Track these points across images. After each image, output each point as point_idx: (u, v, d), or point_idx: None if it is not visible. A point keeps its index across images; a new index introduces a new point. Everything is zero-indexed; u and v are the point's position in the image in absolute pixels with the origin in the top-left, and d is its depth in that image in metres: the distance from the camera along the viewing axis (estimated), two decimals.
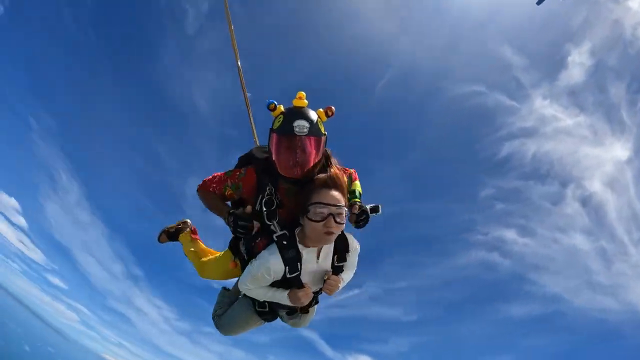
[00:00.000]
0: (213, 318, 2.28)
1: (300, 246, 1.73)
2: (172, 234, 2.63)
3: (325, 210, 1.61)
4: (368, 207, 1.85)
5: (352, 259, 1.87)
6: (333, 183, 1.67)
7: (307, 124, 1.66)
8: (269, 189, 1.78)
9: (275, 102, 1.76)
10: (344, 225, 1.69)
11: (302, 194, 1.72)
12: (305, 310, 2.09)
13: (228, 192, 1.91)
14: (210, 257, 2.34)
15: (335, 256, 1.81)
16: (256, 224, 1.74)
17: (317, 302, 2.06)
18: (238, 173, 1.89)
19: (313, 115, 1.72)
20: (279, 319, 2.19)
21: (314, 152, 1.71)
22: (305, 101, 1.76)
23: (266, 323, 2.19)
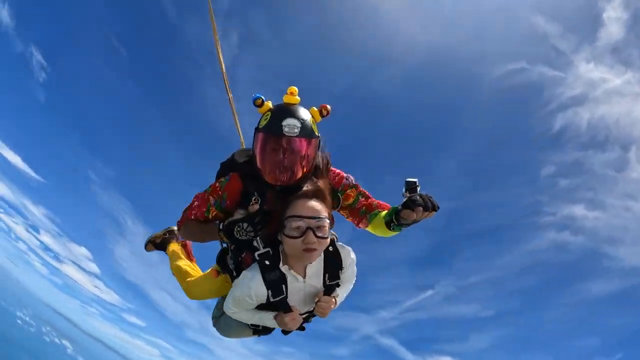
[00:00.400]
0: (212, 319, 2.11)
1: (284, 267, 1.52)
2: (158, 245, 2.44)
3: (302, 224, 1.39)
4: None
5: (348, 273, 1.65)
6: (313, 192, 1.46)
7: (298, 124, 1.46)
8: (254, 199, 1.57)
9: (263, 97, 1.54)
10: (328, 239, 1.46)
11: (280, 206, 1.49)
12: (302, 328, 1.83)
13: (212, 213, 1.65)
14: (197, 276, 2.13)
15: (327, 274, 1.59)
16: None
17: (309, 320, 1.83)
18: (219, 183, 1.65)
19: (305, 114, 1.52)
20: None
21: (305, 155, 1.51)
22: (298, 97, 1.55)
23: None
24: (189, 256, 2.35)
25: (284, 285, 1.53)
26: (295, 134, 1.46)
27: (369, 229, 1.73)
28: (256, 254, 1.53)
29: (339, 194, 1.70)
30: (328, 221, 1.44)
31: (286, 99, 1.56)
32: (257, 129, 1.54)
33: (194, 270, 2.21)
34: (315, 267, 1.57)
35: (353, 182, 1.73)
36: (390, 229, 1.54)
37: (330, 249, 1.56)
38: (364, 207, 1.72)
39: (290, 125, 1.45)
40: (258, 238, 1.52)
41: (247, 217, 1.48)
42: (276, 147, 1.49)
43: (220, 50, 2.39)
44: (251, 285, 1.52)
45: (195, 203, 1.70)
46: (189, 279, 2.12)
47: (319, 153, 1.61)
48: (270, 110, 1.53)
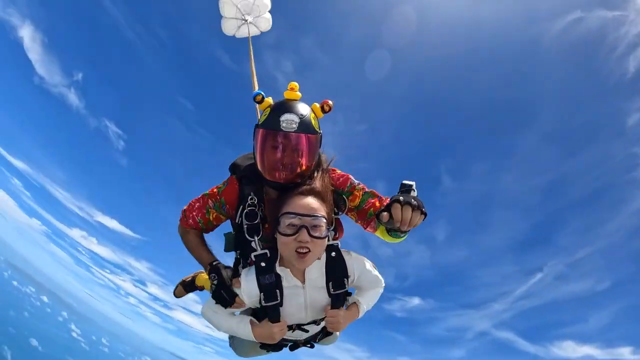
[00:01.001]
0: (229, 339, 2.05)
1: (280, 268, 1.45)
2: (188, 283, 2.32)
3: (296, 222, 1.32)
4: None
5: (366, 280, 1.55)
6: (309, 189, 1.39)
7: (296, 119, 1.41)
8: (250, 199, 1.53)
9: (263, 94, 1.50)
10: (324, 240, 1.37)
11: (275, 204, 1.44)
12: (311, 345, 1.82)
13: (213, 215, 1.64)
14: None
15: (330, 282, 1.48)
16: (239, 302, 1.48)
17: (330, 332, 1.75)
18: (217, 189, 1.64)
19: (304, 109, 1.47)
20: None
21: (304, 152, 1.45)
22: (299, 93, 1.52)
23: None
24: None
25: (278, 291, 1.47)
26: (293, 129, 1.42)
27: (377, 234, 1.60)
28: (252, 254, 1.48)
29: (344, 195, 1.62)
30: (325, 221, 1.36)
31: (287, 94, 1.52)
32: (256, 126, 1.51)
33: None
34: (316, 272, 1.49)
35: (360, 183, 1.64)
36: (390, 235, 1.47)
37: (333, 254, 1.49)
38: (371, 209, 1.59)
39: (288, 120, 1.42)
40: (257, 239, 1.49)
41: (221, 282, 1.50)
42: (274, 143, 1.46)
43: (255, 80, 2.54)
44: (244, 284, 1.48)
45: (197, 205, 1.68)
46: None
47: (322, 152, 1.58)
48: (269, 106, 1.51)
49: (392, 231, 1.40)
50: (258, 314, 1.60)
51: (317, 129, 1.50)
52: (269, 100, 1.52)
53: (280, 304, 1.49)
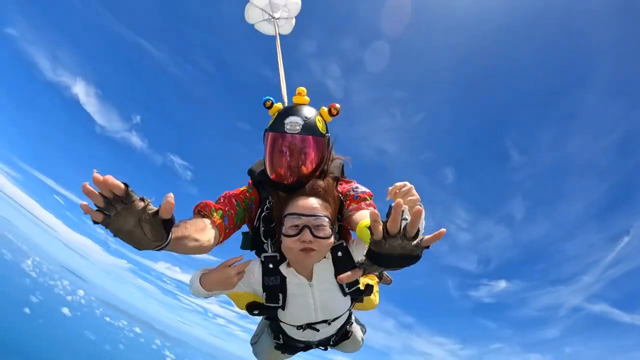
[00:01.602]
0: (251, 345, 2.17)
1: (287, 270, 1.48)
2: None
3: (299, 222, 1.33)
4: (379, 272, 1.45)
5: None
6: (311, 190, 1.41)
7: (300, 121, 1.46)
8: (269, 203, 1.56)
9: (272, 99, 1.57)
10: (329, 240, 1.35)
11: (280, 207, 1.46)
12: (338, 342, 1.90)
13: (242, 205, 1.56)
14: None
15: (344, 283, 1.49)
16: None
17: (349, 329, 1.86)
18: (243, 188, 1.65)
19: (309, 112, 1.52)
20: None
21: (307, 153, 1.48)
22: (307, 98, 1.58)
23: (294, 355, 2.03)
24: None
25: (281, 295, 1.51)
26: (297, 131, 1.46)
27: (361, 236, 1.34)
28: (262, 255, 1.51)
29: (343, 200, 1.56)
30: (328, 221, 1.35)
31: (295, 99, 1.58)
32: (265, 130, 1.54)
33: None
34: (323, 271, 1.48)
35: (358, 192, 1.53)
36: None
37: (340, 254, 1.46)
38: (351, 214, 1.43)
39: (292, 123, 1.46)
40: (270, 242, 1.53)
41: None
42: (279, 145, 1.48)
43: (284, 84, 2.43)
44: (252, 275, 1.51)
45: (226, 197, 1.57)
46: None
47: (331, 154, 1.60)
48: (277, 110, 1.56)
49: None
50: (260, 309, 1.59)
51: (323, 132, 1.53)
52: (279, 105, 1.58)
53: (282, 308, 1.54)
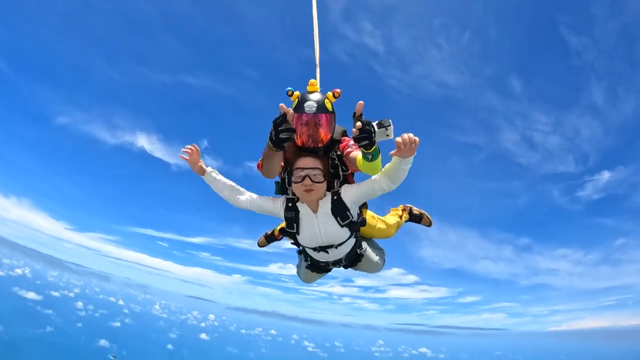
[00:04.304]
0: (296, 269, 3.02)
1: (301, 205, 2.26)
2: (270, 235, 3.23)
3: (302, 173, 2.11)
4: (374, 123, 1.91)
5: (359, 189, 2.22)
6: (310, 151, 2.19)
7: (314, 104, 2.09)
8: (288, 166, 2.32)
9: (292, 89, 2.13)
10: (323, 184, 2.15)
11: (290, 162, 2.24)
12: (352, 263, 2.63)
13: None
14: None
15: (338, 217, 2.24)
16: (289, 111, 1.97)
17: (360, 253, 2.58)
18: None
19: (320, 96, 2.14)
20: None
21: (322, 126, 2.14)
22: (317, 86, 2.19)
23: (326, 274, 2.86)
24: None
25: (295, 224, 2.29)
26: (313, 112, 2.10)
27: (359, 167, 2.18)
28: (285, 196, 2.33)
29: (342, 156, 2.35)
30: (320, 171, 2.13)
31: (308, 89, 2.19)
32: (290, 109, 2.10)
33: None
34: (325, 208, 2.23)
35: (351, 145, 2.29)
36: (368, 160, 2.00)
37: (335, 197, 2.22)
38: (349, 156, 2.29)
39: (309, 105, 2.09)
40: (290, 189, 2.31)
41: (276, 122, 2.00)
42: (301, 121, 2.13)
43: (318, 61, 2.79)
44: (277, 203, 2.31)
45: None
46: None
47: (335, 126, 2.28)
48: (297, 96, 2.14)
49: (364, 146, 1.91)
50: (284, 233, 2.41)
51: (331, 110, 2.18)
52: (297, 93, 2.14)
53: (297, 233, 2.33)
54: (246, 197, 2.35)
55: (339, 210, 2.23)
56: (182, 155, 2.33)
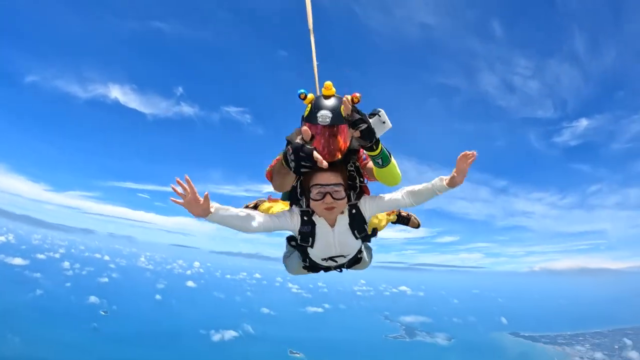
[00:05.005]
0: (283, 259, 2.79)
1: (319, 219, 2.13)
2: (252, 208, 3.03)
3: (323, 190, 1.96)
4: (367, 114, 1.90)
5: (379, 203, 2.18)
6: (330, 166, 1.93)
7: (329, 114, 1.82)
8: (301, 176, 2.10)
9: (305, 92, 1.90)
10: (344, 200, 2.01)
11: (306, 176, 2.05)
12: (350, 266, 2.60)
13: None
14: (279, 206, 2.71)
15: (355, 230, 2.18)
16: (318, 157, 1.84)
17: (360, 257, 2.51)
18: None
19: (336, 102, 1.86)
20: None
21: (338, 138, 1.89)
22: (333, 89, 1.89)
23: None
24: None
25: (311, 238, 2.18)
26: (327, 123, 1.84)
27: (375, 176, 2.17)
28: (299, 209, 2.16)
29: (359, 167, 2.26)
30: (342, 186, 1.99)
31: (324, 92, 1.91)
32: (302, 117, 1.95)
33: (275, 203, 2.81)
34: (342, 220, 2.15)
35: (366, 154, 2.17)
36: (379, 166, 2.02)
37: (354, 211, 2.14)
38: (366, 168, 2.26)
39: (323, 116, 1.83)
40: (304, 199, 2.13)
41: (297, 146, 1.90)
42: (314, 133, 1.89)
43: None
44: (292, 219, 2.16)
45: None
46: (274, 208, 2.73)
47: (352, 134, 1.98)
48: (311, 102, 1.91)
49: (371, 151, 1.93)
50: (295, 243, 2.31)
51: None
52: (311, 96, 1.92)
53: (311, 246, 2.23)
54: (259, 222, 2.07)
55: (358, 223, 2.16)
56: (175, 200, 1.82)
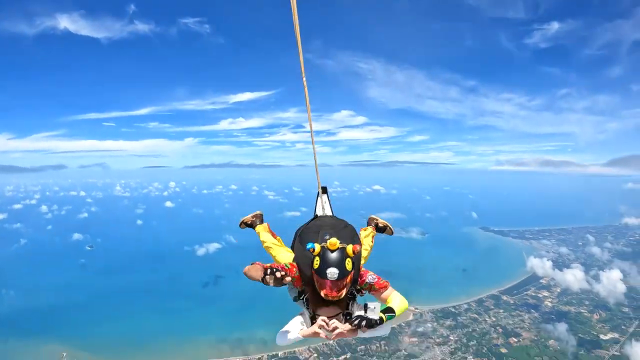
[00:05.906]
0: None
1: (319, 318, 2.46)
2: (248, 225, 3.69)
3: (323, 322, 2.36)
4: (370, 317, 2.32)
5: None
6: (333, 301, 2.41)
7: (336, 271, 2.26)
8: (307, 299, 2.60)
9: (313, 246, 2.37)
10: (342, 324, 2.37)
11: (312, 302, 2.53)
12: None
13: (292, 272, 2.60)
14: (280, 251, 3.15)
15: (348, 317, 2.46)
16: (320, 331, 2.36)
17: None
18: (290, 266, 2.63)
19: (340, 260, 2.31)
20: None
21: (343, 287, 2.32)
22: (337, 244, 2.36)
23: None
24: (272, 234, 3.41)
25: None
26: (335, 278, 2.26)
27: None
28: (307, 312, 2.58)
29: (362, 288, 2.63)
30: (342, 316, 2.41)
31: (329, 247, 2.34)
32: (313, 269, 2.37)
33: (277, 245, 3.25)
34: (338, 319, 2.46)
35: (372, 281, 2.61)
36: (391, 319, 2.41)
37: (348, 317, 2.43)
38: (381, 296, 2.62)
39: (331, 273, 2.25)
40: (306, 305, 2.59)
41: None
42: (324, 285, 2.29)
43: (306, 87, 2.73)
44: (304, 320, 2.59)
45: (279, 265, 2.56)
46: (274, 254, 3.14)
47: (362, 269, 2.63)
48: (318, 255, 2.35)
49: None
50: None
51: (350, 269, 2.33)
52: (318, 249, 2.36)
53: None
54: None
55: (349, 315, 2.46)
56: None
